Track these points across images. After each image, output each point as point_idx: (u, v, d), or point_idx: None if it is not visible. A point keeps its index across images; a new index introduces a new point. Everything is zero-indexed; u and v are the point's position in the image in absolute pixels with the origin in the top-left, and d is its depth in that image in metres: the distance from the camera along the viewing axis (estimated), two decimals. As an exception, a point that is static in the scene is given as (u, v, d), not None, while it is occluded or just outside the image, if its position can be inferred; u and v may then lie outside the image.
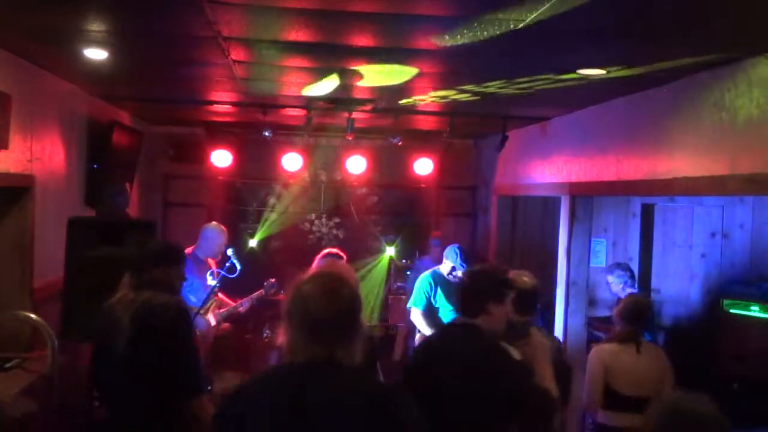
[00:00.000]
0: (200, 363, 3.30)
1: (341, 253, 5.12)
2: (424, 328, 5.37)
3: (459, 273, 5.31)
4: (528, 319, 3.60)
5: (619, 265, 5.54)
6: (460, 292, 2.98)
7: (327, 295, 1.97)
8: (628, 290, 5.07)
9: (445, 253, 5.44)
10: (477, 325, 2.80)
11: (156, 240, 4.32)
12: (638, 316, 3.91)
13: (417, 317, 5.39)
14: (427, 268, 6.57)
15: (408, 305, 5.56)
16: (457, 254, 5.30)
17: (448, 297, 5.36)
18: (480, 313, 2.81)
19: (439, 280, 5.39)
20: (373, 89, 4.61)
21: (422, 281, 5.44)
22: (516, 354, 2.84)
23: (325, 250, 5.18)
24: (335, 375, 1.94)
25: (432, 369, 2.81)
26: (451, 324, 3.07)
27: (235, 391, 2.03)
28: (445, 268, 5.40)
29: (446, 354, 2.82)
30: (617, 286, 5.24)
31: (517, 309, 3.58)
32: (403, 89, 4.53)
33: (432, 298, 5.37)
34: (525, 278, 3.59)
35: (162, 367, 3.01)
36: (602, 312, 5.70)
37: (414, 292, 5.48)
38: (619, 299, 5.10)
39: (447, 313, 5.38)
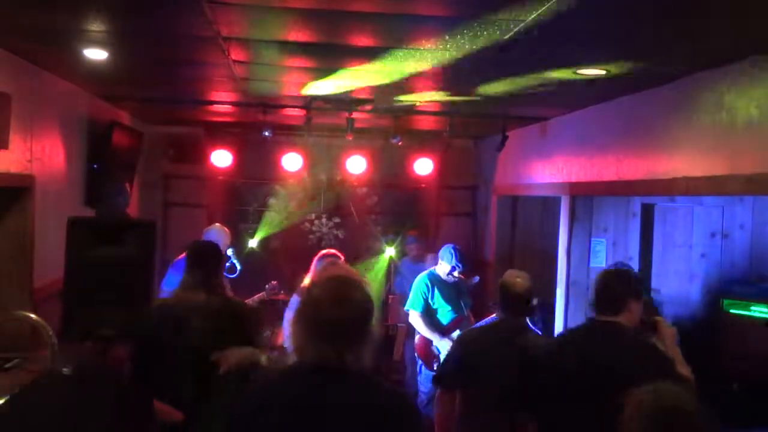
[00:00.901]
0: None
1: (339, 254, 5.13)
2: (423, 331, 5.36)
3: (457, 273, 5.31)
4: (522, 319, 3.60)
5: (618, 265, 5.54)
6: (598, 291, 3.08)
7: (338, 299, 1.98)
8: None
9: (440, 254, 5.44)
10: (618, 322, 2.97)
11: (199, 241, 4.28)
12: None
13: (415, 319, 5.38)
14: (408, 268, 6.60)
15: (405, 307, 5.56)
16: (452, 254, 5.30)
17: (446, 298, 5.35)
18: (621, 311, 2.97)
19: (435, 281, 5.39)
20: (373, 89, 4.61)
21: (419, 283, 5.44)
22: (661, 346, 3.02)
23: (323, 251, 5.20)
24: (343, 378, 1.94)
25: (571, 366, 2.92)
26: (590, 322, 3.14)
27: (246, 391, 2.04)
28: (441, 269, 5.39)
29: (590, 352, 2.92)
30: None
31: (512, 310, 3.60)
32: (403, 89, 4.53)
33: (429, 300, 5.37)
34: (519, 279, 3.60)
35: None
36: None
37: (411, 294, 5.48)
38: None
39: (445, 314, 5.38)
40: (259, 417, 1.94)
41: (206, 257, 3.58)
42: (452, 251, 5.33)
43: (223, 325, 3.34)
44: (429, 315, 5.38)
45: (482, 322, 5.21)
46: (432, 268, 5.49)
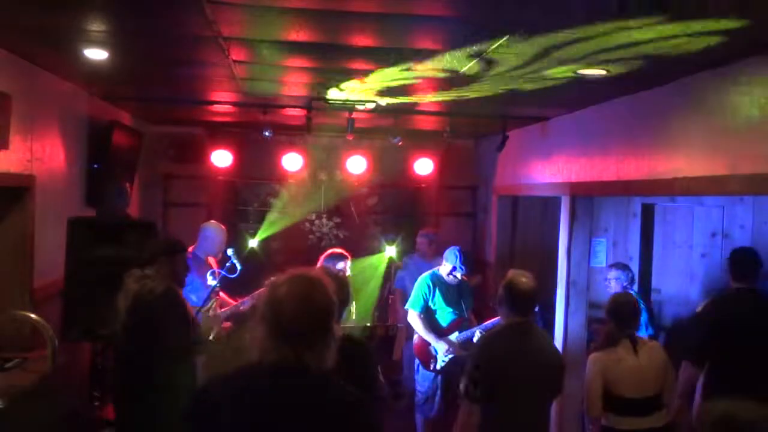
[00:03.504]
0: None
1: (345, 253, 5.13)
2: (420, 331, 5.35)
3: (458, 275, 5.30)
4: (527, 319, 3.59)
5: (618, 266, 5.55)
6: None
7: (300, 300, 1.97)
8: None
9: (444, 255, 5.42)
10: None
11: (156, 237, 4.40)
12: (624, 316, 3.90)
13: (414, 319, 5.37)
14: (416, 265, 6.58)
15: (405, 306, 5.56)
16: (456, 256, 5.29)
17: (447, 299, 5.34)
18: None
19: (437, 282, 5.38)
20: (372, 89, 4.61)
21: (421, 283, 5.43)
22: None
23: (330, 250, 5.19)
24: (301, 378, 1.95)
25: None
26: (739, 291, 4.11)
27: (204, 387, 2.04)
28: (444, 269, 5.38)
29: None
30: (616, 287, 5.26)
31: (517, 310, 3.58)
32: (403, 89, 4.53)
33: (429, 301, 5.36)
34: (524, 279, 3.58)
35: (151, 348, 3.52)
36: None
37: (412, 293, 5.47)
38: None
39: (446, 315, 5.36)
40: (214, 414, 1.94)
41: (159, 248, 3.89)
42: (457, 253, 5.33)
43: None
44: (428, 316, 5.37)
45: (487, 325, 5.21)
46: (435, 269, 5.48)
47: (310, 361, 1.95)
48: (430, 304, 5.35)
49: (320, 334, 1.99)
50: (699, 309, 4.58)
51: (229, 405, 1.94)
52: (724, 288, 4.49)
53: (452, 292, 5.37)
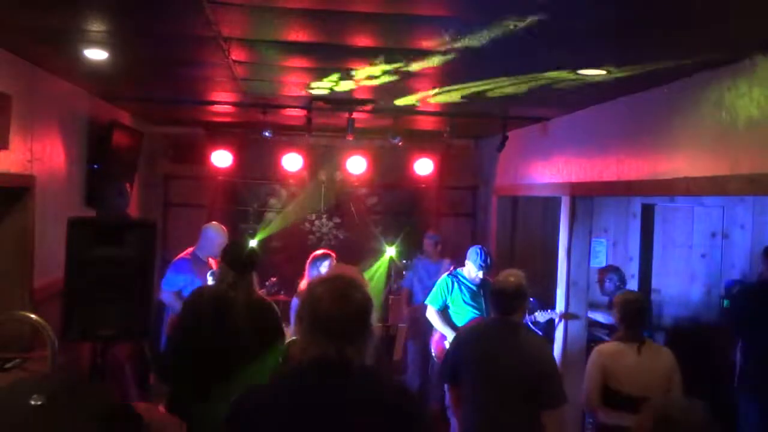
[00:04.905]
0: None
1: (331, 252, 5.16)
2: (438, 326, 5.38)
3: (480, 274, 5.29)
4: (510, 317, 3.60)
5: (608, 270, 5.58)
6: None
7: (338, 297, 2.00)
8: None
9: (467, 254, 5.43)
10: None
11: (241, 243, 4.50)
12: (635, 315, 3.90)
13: (432, 315, 5.40)
14: (423, 266, 6.61)
15: (425, 301, 5.58)
16: (478, 254, 5.30)
17: (468, 298, 5.35)
18: None
19: (458, 281, 5.40)
20: (373, 89, 4.61)
21: (442, 281, 5.47)
22: None
23: (315, 253, 5.22)
24: (346, 375, 1.96)
25: None
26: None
27: (249, 390, 2.05)
28: (467, 269, 5.39)
29: None
30: (610, 287, 5.28)
31: (497, 307, 3.61)
32: (403, 89, 4.53)
33: (448, 299, 5.39)
34: (511, 278, 3.61)
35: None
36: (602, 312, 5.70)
37: (433, 290, 5.50)
38: (609, 301, 5.12)
39: (464, 313, 5.36)
40: (260, 415, 1.94)
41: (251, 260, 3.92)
42: (479, 251, 5.34)
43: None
44: (444, 313, 5.41)
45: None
46: (459, 269, 5.49)
47: (352, 356, 1.96)
48: (449, 302, 5.38)
49: (360, 329, 2.01)
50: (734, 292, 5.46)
51: (274, 407, 1.94)
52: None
53: (473, 291, 5.37)
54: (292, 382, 2.01)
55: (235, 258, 3.84)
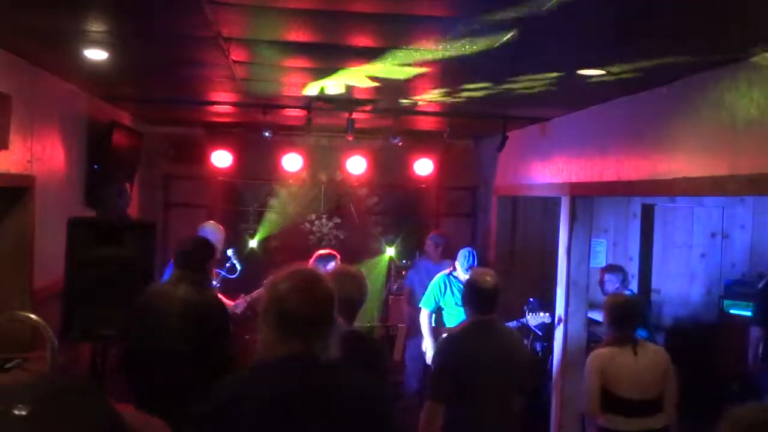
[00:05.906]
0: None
1: (335, 253, 5.16)
2: (423, 329, 5.38)
3: (467, 276, 5.31)
4: (490, 317, 3.60)
5: (610, 269, 5.58)
6: None
7: (302, 293, 2.01)
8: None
9: (457, 256, 5.44)
10: None
11: (190, 237, 4.40)
12: (624, 317, 3.89)
13: (423, 318, 5.41)
14: (425, 267, 6.60)
15: (418, 304, 5.59)
16: (467, 257, 5.32)
17: (457, 299, 5.37)
18: None
19: (451, 283, 5.41)
20: (373, 89, 4.61)
21: (435, 283, 5.49)
22: None
23: (319, 252, 5.22)
24: (316, 368, 1.99)
25: None
26: None
27: (216, 387, 2.05)
28: (457, 270, 5.41)
29: None
30: (610, 287, 5.28)
31: (479, 308, 3.60)
32: (403, 89, 4.53)
33: (441, 300, 5.40)
34: (488, 278, 3.61)
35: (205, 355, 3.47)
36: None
37: (426, 292, 5.51)
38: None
39: (454, 315, 5.37)
40: (231, 410, 1.94)
41: (200, 252, 3.92)
42: (467, 254, 5.36)
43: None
44: (437, 314, 5.43)
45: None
46: (451, 270, 5.50)
47: (319, 351, 1.99)
48: (441, 303, 5.40)
49: (325, 323, 2.03)
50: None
51: (244, 400, 1.95)
52: None
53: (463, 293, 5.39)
54: (263, 376, 2.02)
55: (178, 255, 3.83)
